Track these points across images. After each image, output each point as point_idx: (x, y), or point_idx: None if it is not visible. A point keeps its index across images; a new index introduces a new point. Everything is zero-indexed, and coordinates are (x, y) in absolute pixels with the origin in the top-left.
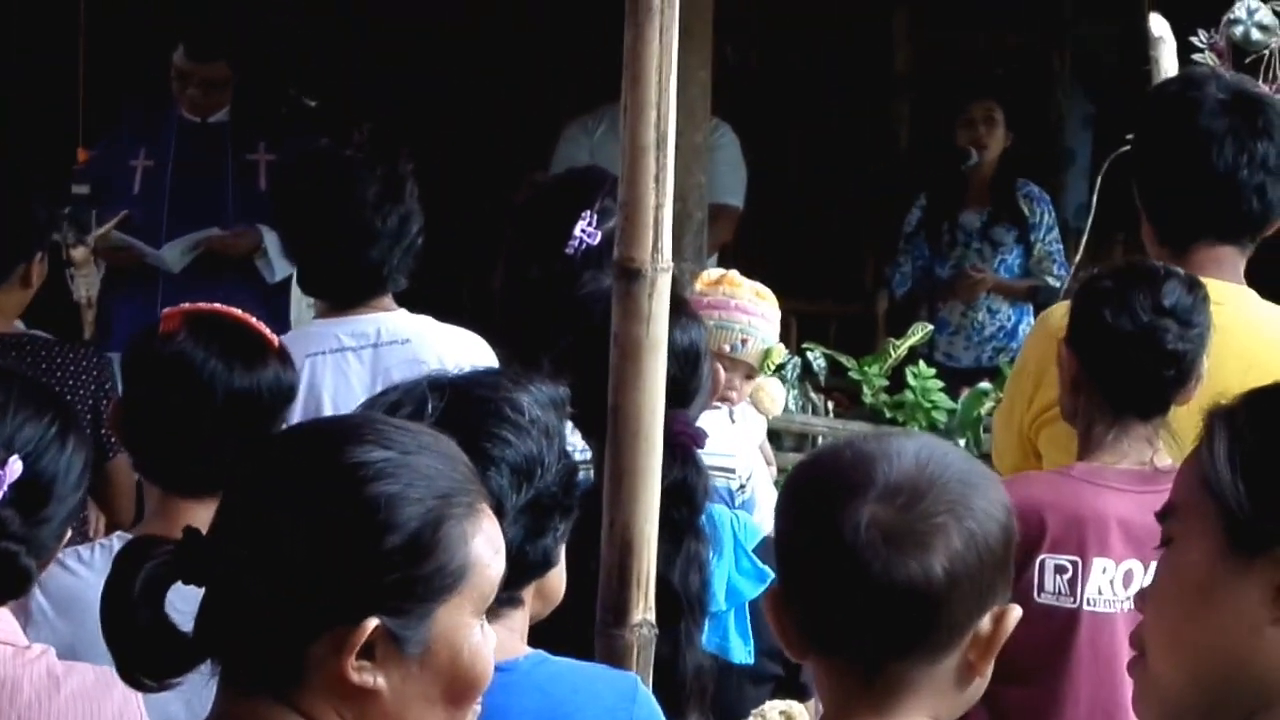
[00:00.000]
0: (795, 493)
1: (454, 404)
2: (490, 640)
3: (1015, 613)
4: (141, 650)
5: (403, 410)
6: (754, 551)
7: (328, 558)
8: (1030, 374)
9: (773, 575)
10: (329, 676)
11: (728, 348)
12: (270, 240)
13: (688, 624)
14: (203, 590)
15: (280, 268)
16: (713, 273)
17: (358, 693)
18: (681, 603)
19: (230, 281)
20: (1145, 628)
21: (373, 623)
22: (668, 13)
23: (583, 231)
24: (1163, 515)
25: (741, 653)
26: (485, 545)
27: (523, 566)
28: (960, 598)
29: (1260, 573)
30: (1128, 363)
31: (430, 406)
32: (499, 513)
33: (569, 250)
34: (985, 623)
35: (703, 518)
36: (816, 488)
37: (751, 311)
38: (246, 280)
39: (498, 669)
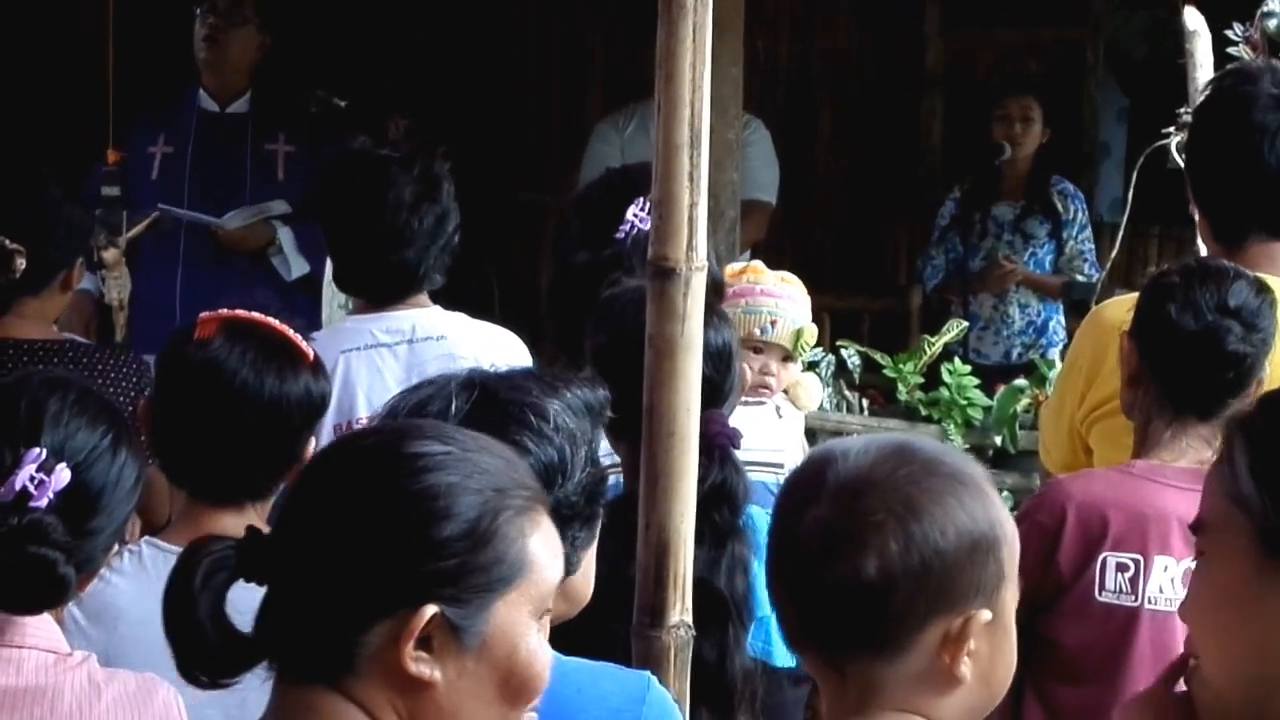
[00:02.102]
0: (778, 495)
1: (480, 405)
2: (547, 649)
3: (982, 616)
4: (202, 649)
5: (430, 408)
6: None
7: (386, 544)
8: (1082, 370)
9: None
10: (385, 665)
11: (758, 331)
12: (285, 236)
13: (735, 627)
14: (259, 591)
15: (297, 264)
16: (735, 265)
17: (413, 684)
18: (728, 606)
19: (247, 277)
20: (1193, 638)
21: (431, 609)
22: (701, 11)
23: (635, 216)
24: (1194, 529)
25: (784, 655)
26: (543, 546)
27: None
28: (902, 598)
29: None
30: (1188, 361)
31: (454, 406)
32: None
33: (619, 234)
34: (955, 625)
35: (742, 520)
36: (785, 490)
37: (777, 294)
38: (264, 276)
39: None
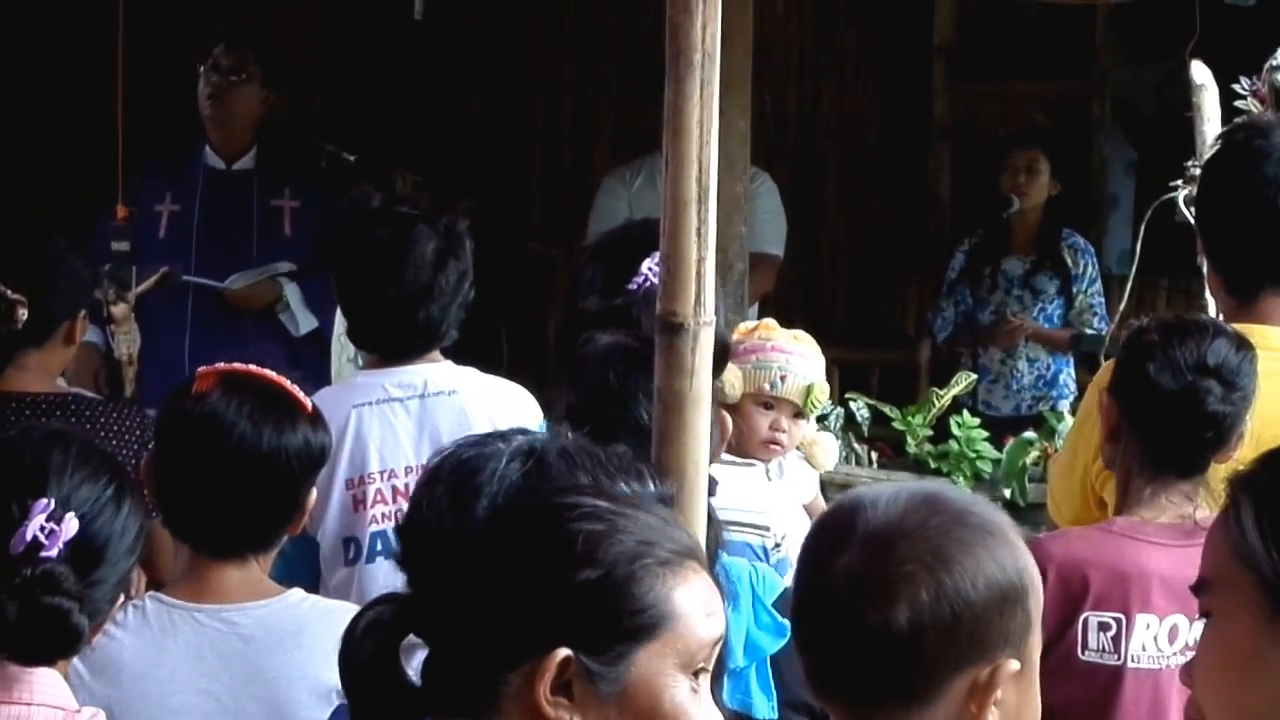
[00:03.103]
0: (805, 541)
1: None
2: (705, 708)
3: (1010, 667)
4: (377, 704)
5: (480, 471)
6: (774, 605)
7: (528, 586)
8: (1095, 422)
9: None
10: (526, 708)
11: (767, 386)
12: (291, 293)
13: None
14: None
15: (305, 320)
16: (748, 323)
17: None
18: None
19: (255, 334)
20: (1200, 700)
21: (562, 653)
22: (708, 68)
23: (649, 269)
24: (1197, 589)
25: (764, 708)
26: (692, 601)
27: None
28: (932, 648)
29: None
30: (1167, 421)
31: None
32: None
33: (632, 286)
34: (983, 674)
35: (717, 568)
36: (813, 536)
37: (788, 350)
38: (272, 334)
39: None
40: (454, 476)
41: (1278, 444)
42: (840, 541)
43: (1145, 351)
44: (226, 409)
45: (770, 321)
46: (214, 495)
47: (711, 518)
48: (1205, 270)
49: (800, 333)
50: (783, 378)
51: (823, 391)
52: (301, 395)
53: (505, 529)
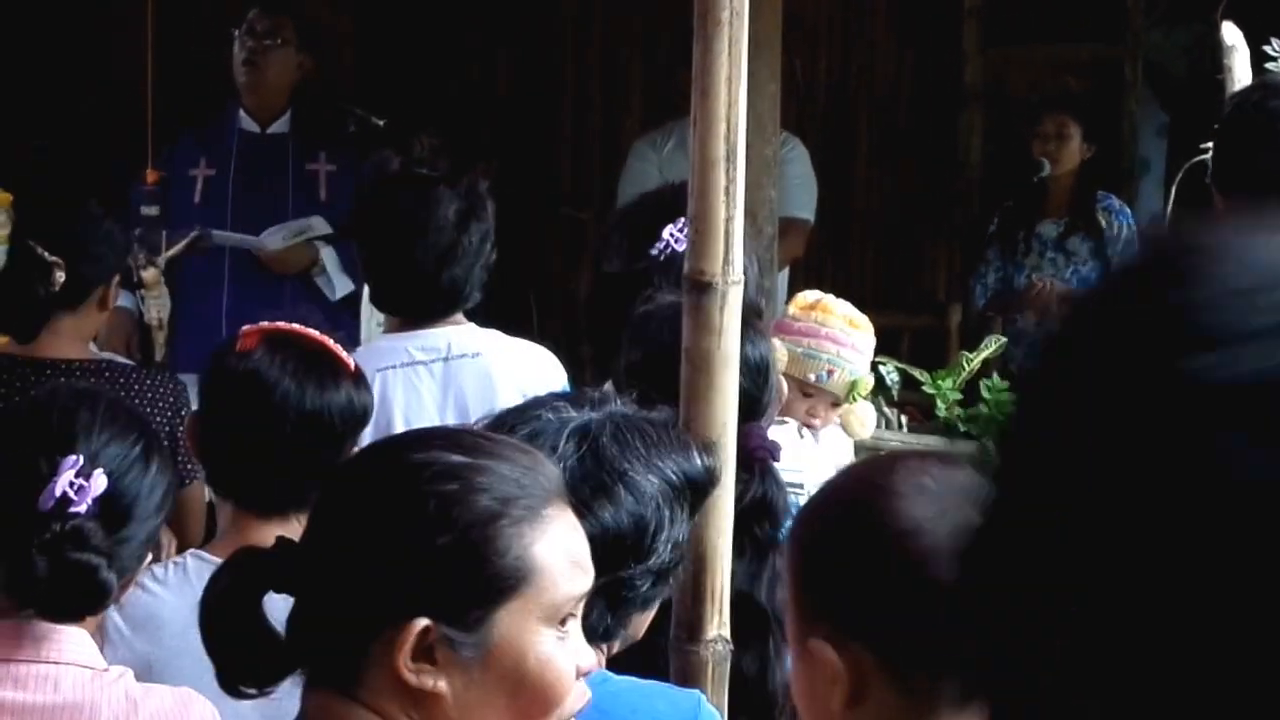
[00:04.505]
0: (867, 525)
1: (583, 461)
2: (573, 653)
3: None
4: (240, 659)
5: (539, 442)
6: None
7: (383, 554)
8: None
9: None
10: (389, 676)
11: (812, 377)
12: (328, 256)
13: (775, 641)
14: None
15: (340, 284)
16: (808, 295)
17: (420, 694)
18: (769, 620)
19: (293, 298)
20: None
21: (420, 623)
22: (736, 25)
23: (671, 235)
24: None
25: None
26: (553, 552)
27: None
28: None
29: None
30: None
31: (561, 450)
32: None
33: (654, 251)
34: None
35: (781, 534)
36: (909, 518)
37: (842, 342)
38: (309, 296)
39: None
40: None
41: None
42: (948, 517)
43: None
44: (270, 367)
45: (829, 301)
46: (257, 453)
47: (780, 483)
48: None
49: (857, 315)
50: (829, 372)
51: (866, 385)
52: (345, 354)
53: (359, 490)
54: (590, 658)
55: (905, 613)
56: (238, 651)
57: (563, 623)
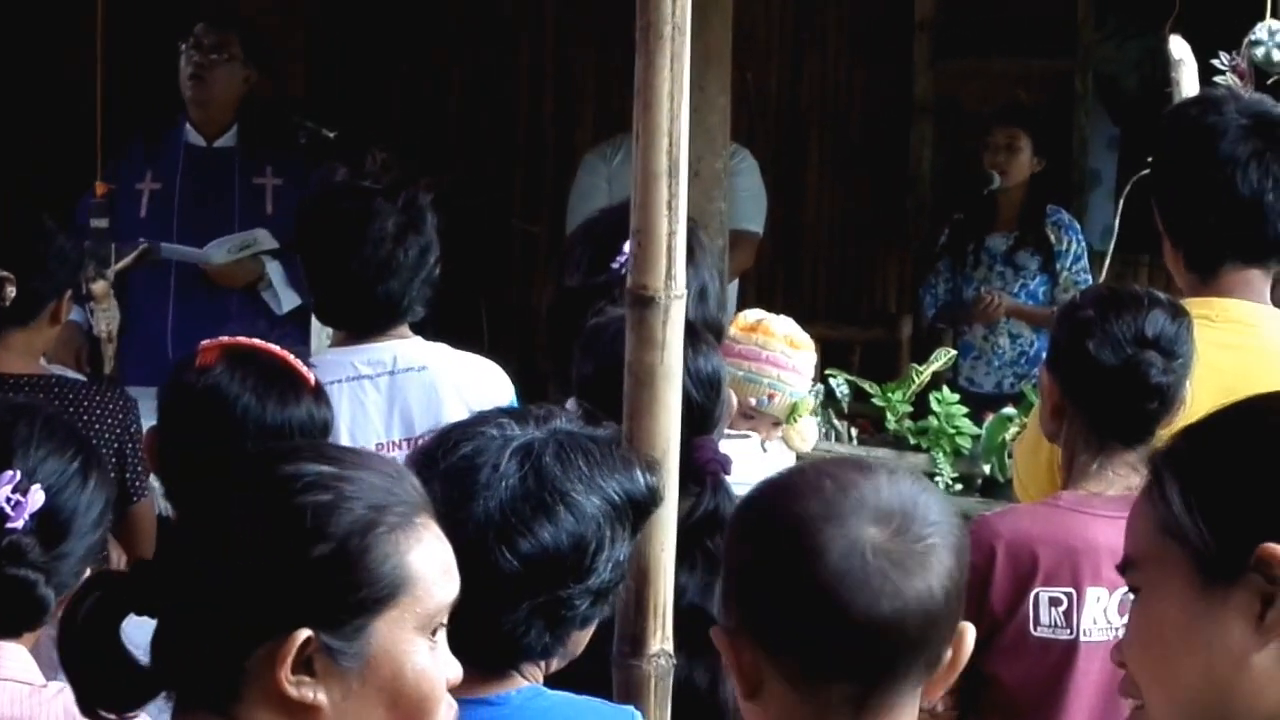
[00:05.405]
0: (762, 523)
1: (526, 479)
2: (444, 664)
3: (970, 632)
4: (98, 682)
5: (480, 460)
6: None
7: (259, 568)
8: None
9: None
10: (267, 690)
11: (753, 401)
12: (274, 270)
13: None
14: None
15: (287, 298)
16: (750, 315)
17: (299, 708)
18: None
19: (238, 311)
20: (1136, 677)
21: (303, 634)
22: (679, 40)
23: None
24: (1123, 568)
25: None
26: (427, 561)
27: (518, 648)
28: (950, 615)
29: (1238, 603)
30: (1110, 395)
31: (503, 468)
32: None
33: (615, 265)
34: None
35: None
36: (793, 516)
37: (783, 365)
38: (256, 310)
39: (488, 703)
40: (451, 472)
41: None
42: (846, 519)
43: (1082, 327)
44: (230, 382)
45: (770, 323)
46: (216, 468)
47: (731, 497)
48: (1165, 246)
49: (797, 334)
50: (770, 396)
51: (806, 406)
52: (304, 369)
53: (227, 504)
54: (457, 670)
55: (781, 609)
56: (97, 674)
57: (434, 633)
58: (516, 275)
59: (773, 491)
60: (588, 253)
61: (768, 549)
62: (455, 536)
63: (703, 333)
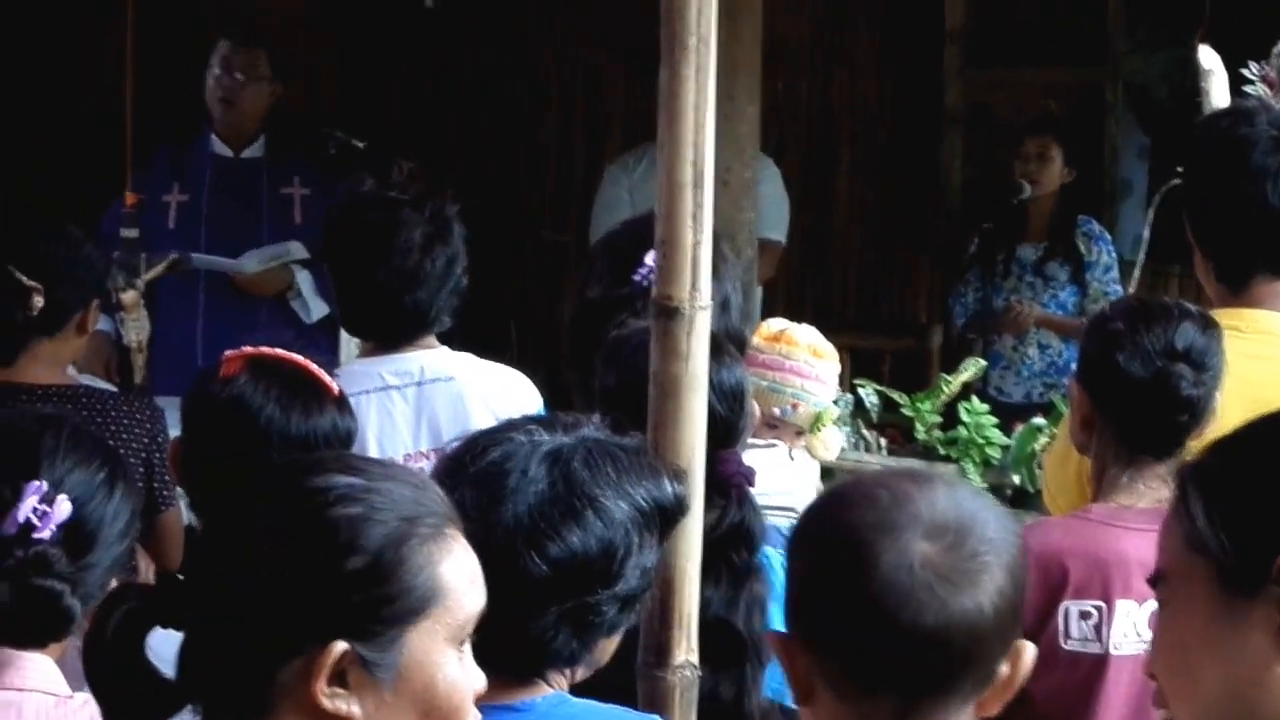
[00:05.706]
0: (818, 533)
1: (555, 485)
2: (472, 675)
3: (1030, 650)
4: (123, 695)
5: (509, 465)
6: None
7: (293, 581)
8: None
9: None
10: (300, 703)
11: (777, 411)
12: (303, 280)
13: (753, 667)
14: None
15: (316, 307)
16: (773, 325)
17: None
18: (746, 645)
19: (268, 320)
20: (1163, 687)
21: (340, 646)
22: (703, 51)
23: (654, 261)
24: (1154, 581)
25: None
26: (457, 572)
27: (545, 654)
28: (1000, 633)
29: (1260, 615)
30: (1140, 408)
31: (532, 473)
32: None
33: (637, 277)
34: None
35: (758, 559)
36: (847, 527)
37: (806, 374)
38: (285, 319)
39: (513, 709)
40: (481, 476)
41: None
42: (899, 532)
43: (1112, 339)
44: (254, 393)
45: (793, 332)
46: (241, 479)
47: (756, 509)
48: (1195, 257)
49: (821, 344)
50: (794, 406)
51: (830, 415)
52: (328, 379)
53: (257, 518)
54: (482, 680)
55: (830, 617)
56: (122, 688)
57: (462, 644)
58: (545, 286)
59: (833, 501)
60: (609, 265)
61: (822, 557)
62: (484, 541)
63: (726, 345)
